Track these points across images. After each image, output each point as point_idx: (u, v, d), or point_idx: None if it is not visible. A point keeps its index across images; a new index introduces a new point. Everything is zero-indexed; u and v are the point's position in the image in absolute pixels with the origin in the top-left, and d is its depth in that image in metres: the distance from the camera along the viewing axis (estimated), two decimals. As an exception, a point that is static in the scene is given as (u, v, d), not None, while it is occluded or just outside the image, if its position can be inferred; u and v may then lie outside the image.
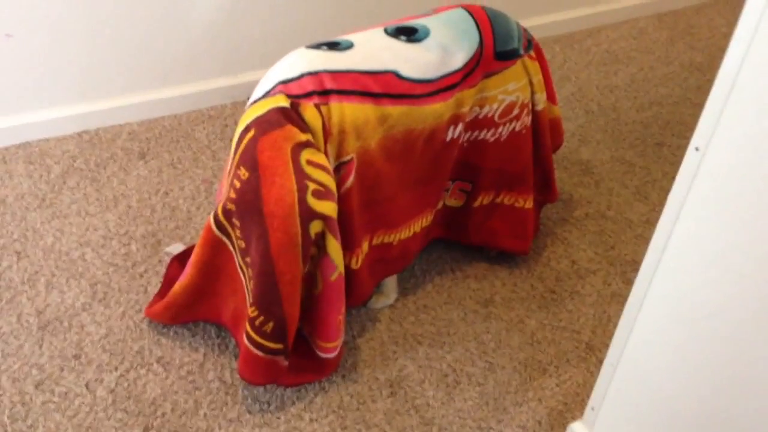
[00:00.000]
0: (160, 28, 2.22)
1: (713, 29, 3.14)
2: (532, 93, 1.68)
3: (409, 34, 1.54)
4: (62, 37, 2.09)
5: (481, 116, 1.63)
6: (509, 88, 1.62)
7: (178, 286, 1.56)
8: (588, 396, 1.57)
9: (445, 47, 1.53)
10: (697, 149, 0.98)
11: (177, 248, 1.82)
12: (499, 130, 1.66)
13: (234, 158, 1.42)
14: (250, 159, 1.36)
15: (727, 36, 3.07)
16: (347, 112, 1.42)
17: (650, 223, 2.05)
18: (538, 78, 1.68)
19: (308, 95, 1.41)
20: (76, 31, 2.10)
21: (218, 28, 2.31)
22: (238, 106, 2.43)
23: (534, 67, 1.67)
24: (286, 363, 1.47)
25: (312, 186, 1.35)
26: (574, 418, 1.55)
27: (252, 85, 2.39)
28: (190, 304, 1.58)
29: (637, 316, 1.17)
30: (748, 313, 1.00)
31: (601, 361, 1.66)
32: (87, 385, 1.53)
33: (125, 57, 2.22)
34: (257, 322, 1.41)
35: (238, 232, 1.42)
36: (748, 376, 1.04)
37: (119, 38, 2.17)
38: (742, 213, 0.95)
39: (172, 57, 2.29)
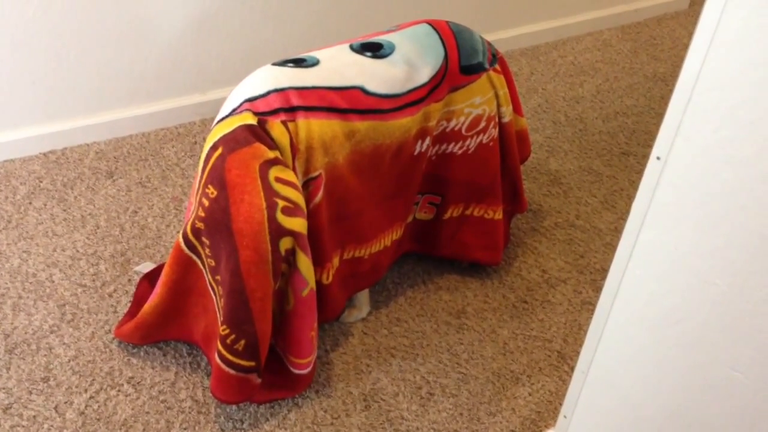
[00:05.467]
0: (126, 46, 2.21)
1: (675, 40, 3.20)
2: (498, 106, 1.70)
3: (374, 50, 1.55)
4: (26, 56, 2.07)
5: (448, 130, 1.65)
6: (475, 102, 1.64)
7: (148, 306, 1.54)
8: (560, 404, 1.58)
9: (410, 62, 1.55)
10: (658, 158, 1.00)
11: (147, 267, 1.80)
12: (467, 142, 1.68)
13: (202, 176, 1.41)
14: (218, 177, 1.36)
15: (688, 47, 3.13)
16: (314, 128, 1.42)
17: (618, 231, 2.08)
18: (503, 91, 1.70)
19: (275, 112, 1.41)
20: (41, 49, 2.08)
21: (186, 46, 2.30)
22: (207, 124, 2.42)
23: (499, 80, 1.69)
24: (258, 380, 1.47)
25: (281, 203, 1.35)
26: (547, 427, 1.56)
27: (220, 102, 2.38)
28: (160, 324, 1.56)
29: (606, 323, 1.19)
30: (712, 319, 1.02)
31: (572, 369, 1.67)
32: (56, 408, 1.51)
33: (91, 75, 2.20)
34: (229, 340, 1.41)
35: (207, 251, 1.42)
36: (715, 381, 1.06)
37: (85, 57, 2.16)
38: (703, 220, 0.98)
39: (139, 75, 2.28)
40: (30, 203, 2.02)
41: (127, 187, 2.11)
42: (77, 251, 1.88)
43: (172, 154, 2.27)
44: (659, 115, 2.63)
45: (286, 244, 1.37)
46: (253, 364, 1.43)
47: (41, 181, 2.10)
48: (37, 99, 2.16)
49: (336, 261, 1.58)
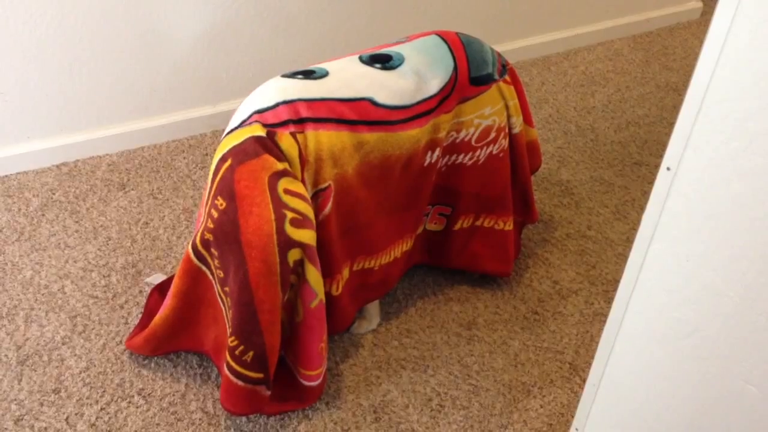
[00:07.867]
0: (138, 60, 2.22)
1: (687, 50, 3.19)
2: (509, 116, 1.70)
3: (383, 61, 1.55)
4: (40, 69, 2.09)
5: (458, 140, 1.64)
6: (485, 113, 1.64)
7: (158, 318, 1.55)
8: (572, 417, 1.57)
9: (419, 74, 1.55)
10: (668, 169, 1.00)
11: (158, 278, 1.81)
12: (477, 153, 1.67)
13: (211, 188, 1.42)
14: (227, 188, 1.36)
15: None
16: (323, 139, 1.43)
17: (630, 241, 2.07)
18: (513, 102, 1.70)
19: (284, 124, 1.41)
20: (54, 62, 2.10)
21: (197, 59, 2.32)
22: (218, 135, 2.43)
23: (509, 91, 1.69)
24: (268, 392, 1.46)
25: (290, 215, 1.35)
26: (559, 440, 1.55)
27: (231, 114, 2.39)
28: (171, 335, 1.57)
29: (617, 335, 1.18)
30: (725, 332, 1.01)
31: (584, 381, 1.66)
32: (67, 420, 1.51)
33: (104, 88, 2.22)
34: (237, 352, 1.41)
35: (216, 262, 1.42)
36: (729, 394, 1.05)
37: (97, 70, 2.18)
38: (715, 232, 0.97)
39: (151, 87, 2.30)
40: (43, 215, 2.03)
41: (138, 199, 2.12)
42: (89, 263, 1.89)
43: (184, 165, 2.28)
44: (671, 125, 2.61)
45: (294, 255, 1.37)
46: (261, 375, 1.43)
47: (54, 193, 2.12)
48: (50, 111, 2.18)
49: (346, 272, 1.58)
